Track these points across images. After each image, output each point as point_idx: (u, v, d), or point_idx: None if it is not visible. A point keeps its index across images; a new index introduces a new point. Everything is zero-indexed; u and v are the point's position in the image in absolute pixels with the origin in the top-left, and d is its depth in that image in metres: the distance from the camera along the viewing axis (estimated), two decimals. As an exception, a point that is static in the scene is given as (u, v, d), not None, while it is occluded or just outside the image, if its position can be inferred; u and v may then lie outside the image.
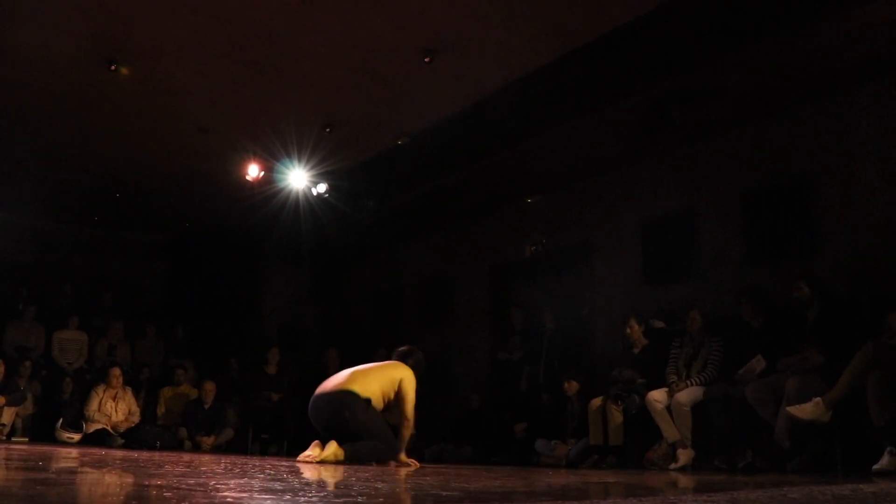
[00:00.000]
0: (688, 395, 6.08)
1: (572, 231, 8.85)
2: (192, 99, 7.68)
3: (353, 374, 5.13)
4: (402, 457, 5.07)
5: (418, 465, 5.13)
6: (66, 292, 11.35)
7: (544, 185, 8.96)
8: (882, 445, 4.60)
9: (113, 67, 6.90)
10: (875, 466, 4.55)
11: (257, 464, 4.21)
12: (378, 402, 5.07)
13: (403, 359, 5.40)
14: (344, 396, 4.93)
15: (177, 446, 8.90)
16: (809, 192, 6.62)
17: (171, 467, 3.33)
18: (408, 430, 5.16)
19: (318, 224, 9.42)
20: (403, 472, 4.39)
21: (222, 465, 3.77)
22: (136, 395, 9.65)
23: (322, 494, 2.06)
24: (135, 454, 5.62)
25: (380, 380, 5.12)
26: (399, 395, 5.14)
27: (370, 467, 4.38)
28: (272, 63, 6.92)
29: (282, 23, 6.30)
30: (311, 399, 5.11)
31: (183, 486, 2.14)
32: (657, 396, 6.22)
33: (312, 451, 4.80)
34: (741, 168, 7.18)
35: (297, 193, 8.92)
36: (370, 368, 5.27)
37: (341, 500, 1.85)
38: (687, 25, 6.01)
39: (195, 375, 10.19)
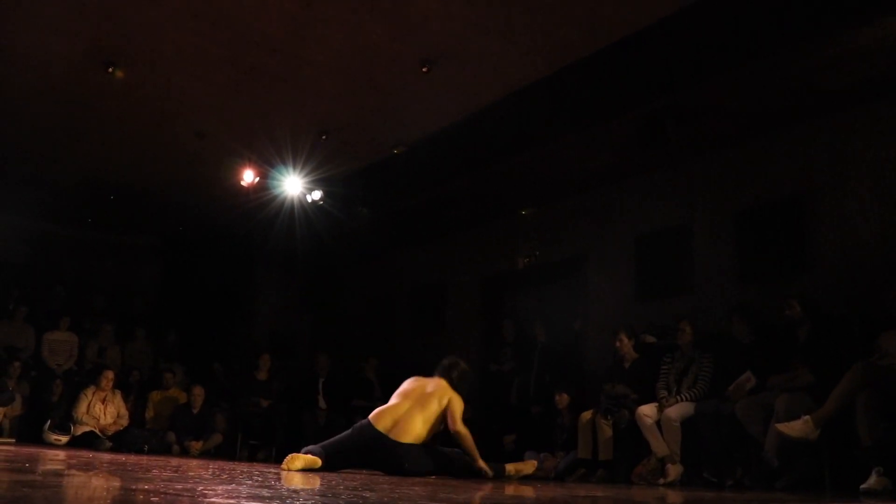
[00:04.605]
0: (677, 410, 6.08)
1: (566, 244, 8.86)
2: (189, 104, 7.68)
3: (405, 419, 5.01)
4: (482, 463, 5.15)
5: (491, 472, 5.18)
6: (58, 293, 11.29)
7: (539, 198, 8.98)
8: (870, 465, 4.61)
9: (110, 70, 6.91)
10: (862, 486, 4.55)
11: (245, 469, 4.19)
12: (428, 439, 5.11)
13: (448, 374, 5.39)
14: (407, 450, 4.88)
15: (165, 450, 8.86)
16: (803, 211, 6.66)
17: (159, 472, 3.32)
18: (467, 440, 5.17)
19: (312, 231, 9.41)
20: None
21: (210, 471, 3.76)
22: (125, 398, 9.61)
23: (310, 502, 2.06)
24: (122, 458, 5.59)
25: (427, 421, 5.07)
26: (447, 416, 5.16)
27: (359, 475, 4.36)
28: (270, 70, 6.93)
29: (280, 30, 6.31)
30: (362, 428, 4.95)
31: (170, 490, 2.14)
32: (647, 411, 6.22)
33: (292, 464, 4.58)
34: (735, 186, 7.22)
35: (292, 200, 8.92)
36: (418, 405, 5.12)
37: (329, 508, 1.84)
38: (684, 43, 6.05)
39: (184, 380, 10.17)
